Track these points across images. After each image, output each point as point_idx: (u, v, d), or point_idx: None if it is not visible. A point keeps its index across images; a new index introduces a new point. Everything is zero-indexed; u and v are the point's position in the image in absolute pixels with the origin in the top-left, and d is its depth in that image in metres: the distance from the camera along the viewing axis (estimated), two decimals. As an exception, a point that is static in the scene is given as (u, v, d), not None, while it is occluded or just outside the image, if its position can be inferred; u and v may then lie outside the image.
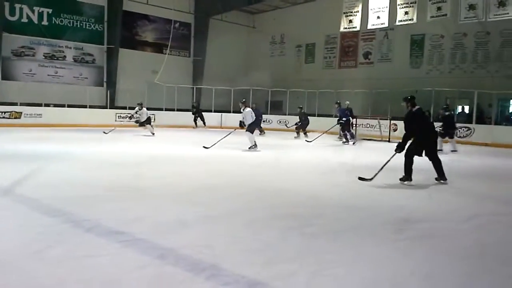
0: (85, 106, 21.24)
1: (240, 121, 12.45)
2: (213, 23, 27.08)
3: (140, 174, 7.63)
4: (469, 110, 19.47)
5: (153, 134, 16.36)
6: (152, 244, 3.79)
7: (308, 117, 18.25)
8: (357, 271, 3.40)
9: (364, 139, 16.35)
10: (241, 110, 12.46)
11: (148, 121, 16.75)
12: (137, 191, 6.19)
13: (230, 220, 4.74)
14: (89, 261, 3.39)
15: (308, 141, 15.79)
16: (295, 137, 17.63)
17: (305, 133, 17.64)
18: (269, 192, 6.45)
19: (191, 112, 22.72)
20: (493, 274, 3.51)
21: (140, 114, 16.54)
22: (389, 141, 16.29)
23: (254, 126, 12.52)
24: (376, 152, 12.71)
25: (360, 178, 7.17)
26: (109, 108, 22.41)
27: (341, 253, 3.77)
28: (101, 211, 4.89)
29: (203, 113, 22.63)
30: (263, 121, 19.66)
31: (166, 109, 23.26)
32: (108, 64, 24.21)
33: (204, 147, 12.27)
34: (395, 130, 17.78)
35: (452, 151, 13.20)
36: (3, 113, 18.40)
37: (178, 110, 23.71)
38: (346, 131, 15.58)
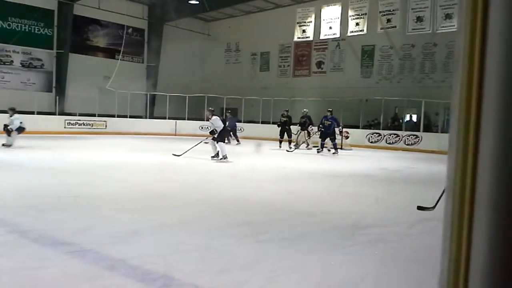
0: (32, 113, 20.43)
1: (213, 130, 11.79)
2: (167, 29, 26.83)
3: (89, 183, 7.40)
4: (416, 118, 20.25)
5: (9, 145, 12.94)
6: (101, 255, 3.68)
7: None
8: (310, 277, 3.44)
9: (315, 146, 16.62)
10: (209, 117, 11.99)
11: (20, 130, 13.45)
12: (86, 200, 6.00)
13: (183, 229, 4.68)
14: (36, 273, 3.25)
15: (288, 151, 15.37)
16: (318, 150, 15.41)
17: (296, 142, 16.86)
18: (224, 200, 6.42)
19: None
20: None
21: (11, 122, 13.38)
22: (341, 148, 16.66)
23: (223, 134, 12.13)
24: (331, 159, 12.96)
25: (419, 208, 6.02)
26: (58, 115, 21.64)
27: (295, 260, 3.80)
28: (48, 221, 4.70)
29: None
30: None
31: (119, 116, 22.74)
32: (57, 69, 23.39)
33: (174, 154, 12.04)
34: (347, 137, 18.20)
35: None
36: None
37: (131, 117, 23.24)
38: (331, 141, 15.04)
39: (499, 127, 0.61)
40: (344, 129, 18.08)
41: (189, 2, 22.61)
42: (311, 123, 16.63)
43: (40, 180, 7.48)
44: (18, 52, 22.21)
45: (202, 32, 28.92)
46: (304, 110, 17.14)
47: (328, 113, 15.11)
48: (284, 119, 16.50)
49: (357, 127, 20.11)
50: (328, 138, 14.97)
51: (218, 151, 11.69)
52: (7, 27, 21.71)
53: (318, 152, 15.11)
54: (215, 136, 11.69)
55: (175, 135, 22.75)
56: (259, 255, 3.89)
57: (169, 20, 26.14)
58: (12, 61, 22.05)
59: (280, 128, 16.63)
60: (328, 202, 6.56)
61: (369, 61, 22.31)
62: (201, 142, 12.68)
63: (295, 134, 16.93)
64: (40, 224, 4.54)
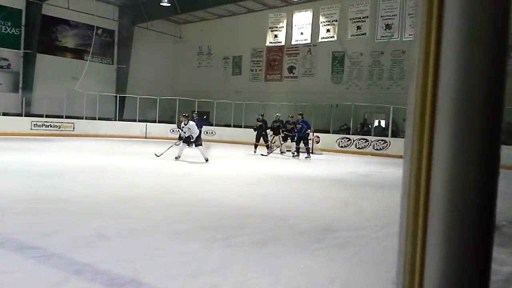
0: (-3, 113, 19.86)
1: (188, 136, 11.82)
2: (138, 31, 26.55)
3: (56, 186, 7.23)
4: (385, 124, 20.64)
5: None
6: (68, 260, 3.61)
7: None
8: (280, 281, 3.46)
9: (289, 151, 16.73)
10: (183, 125, 11.96)
11: None
12: (53, 203, 5.87)
13: (153, 233, 4.63)
14: (1, 278, 3.17)
15: (263, 155, 15.36)
16: (294, 155, 15.33)
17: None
18: (195, 203, 6.40)
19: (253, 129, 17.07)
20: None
21: None
22: (312, 152, 16.82)
23: (200, 138, 12.24)
24: (303, 163, 13.06)
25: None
26: (25, 116, 21.08)
27: (265, 263, 3.82)
28: (14, 224, 4.58)
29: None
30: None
31: (87, 118, 22.31)
32: (24, 70, 22.79)
33: (155, 154, 12.09)
34: (318, 142, 18.39)
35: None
36: None
37: (100, 119, 22.84)
38: (304, 145, 15.03)
39: (452, 134, 0.65)
40: (315, 134, 18.28)
41: (161, 4, 22.43)
42: (284, 127, 16.71)
43: (4, 183, 7.26)
44: (-17, 52, 21.58)
45: (174, 34, 28.74)
46: (277, 114, 17.20)
47: (299, 117, 15.32)
48: (259, 123, 16.48)
49: (327, 131, 20.34)
50: (302, 142, 15.07)
51: (179, 154, 11.98)
52: (-27, 26, 21.05)
53: (293, 156, 15.19)
54: (193, 141, 11.74)
55: (145, 138, 22.50)
56: (230, 259, 3.90)
57: (140, 22, 25.90)
58: (-24, 61, 21.40)
59: (256, 132, 16.58)
60: (299, 206, 6.62)
61: (340, 67, 22.62)
62: (172, 145, 12.61)
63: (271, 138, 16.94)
64: (4, 227, 4.42)
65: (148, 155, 12.18)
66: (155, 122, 23.51)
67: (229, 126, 23.35)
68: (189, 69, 28.47)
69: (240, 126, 22.45)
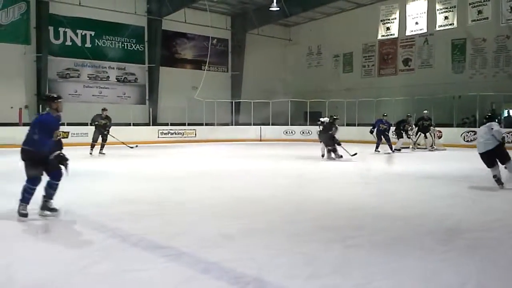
0: (129, 124, 21.84)
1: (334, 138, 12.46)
2: (249, 37, 27.40)
3: (180, 188, 7.72)
4: (515, 113, 18.75)
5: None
6: (196, 258, 3.85)
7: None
8: (405, 284, 3.32)
9: (404, 148, 15.95)
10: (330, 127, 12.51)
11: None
12: (180, 205, 6.29)
13: (271, 233, 4.74)
14: (136, 275, 3.47)
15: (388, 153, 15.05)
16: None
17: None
18: (308, 203, 6.40)
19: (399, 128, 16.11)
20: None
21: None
22: (433, 148, 15.88)
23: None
24: (422, 160, 12.41)
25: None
26: (152, 125, 22.98)
27: (387, 265, 3.69)
28: (146, 225, 5.00)
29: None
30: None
31: (207, 124, 23.65)
32: (149, 83, 24.88)
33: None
34: (439, 137, 17.32)
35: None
36: (51, 134, 19.15)
37: (218, 124, 24.02)
38: (386, 141, 15.13)
39: None
40: (437, 128, 17.24)
41: (270, 9, 22.88)
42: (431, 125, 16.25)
43: (137, 187, 7.96)
44: (113, 68, 23.96)
45: (284, 37, 29.15)
46: (425, 111, 16.67)
47: (384, 118, 15.43)
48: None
49: (450, 125, 19.04)
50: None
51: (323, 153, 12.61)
52: (103, 45, 23.48)
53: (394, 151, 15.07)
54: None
55: (260, 140, 23.10)
56: (349, 260, 3.84)
57: (251, 28, 26.71)
58: (108, 77, 23.81)
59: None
60: (419, 205, 6.28)
61: (461, 55, 21.09)
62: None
63: (410, 137, 16.27)
64: (138, 228, 4.84)
65: (263, 157, 12.50)
66: (269, 125, 24.05)
67: (341, 125, 22.94)
68: (299, 70, 28.63)
69: (354, 125, 21.98)
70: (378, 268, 3.63)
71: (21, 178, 5.25)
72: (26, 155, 5.20)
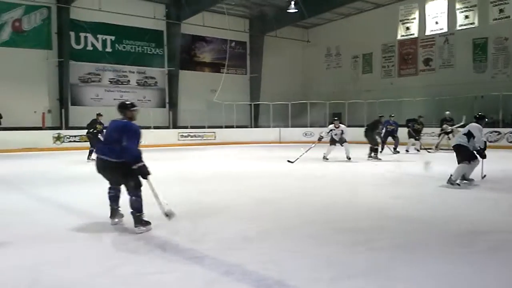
0: (149, 127, 22.09)
1: (338, 139, 12.70)
2: (268, 40, 27.45)
3: (204, 190, 7.79)
4: (541, 113, 18.34)
5: None
6: (218, 261, 3.87)
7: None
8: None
9: (425, 148, 15.75)
10: (333, 127, 12.76)
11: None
12: (203, 207, 6.32)
13: (292, 235, 4.75)
14: (160, 277, 3.52)
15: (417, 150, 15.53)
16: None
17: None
18: (328, 205, 6.38)
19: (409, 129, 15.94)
20: None
21: None
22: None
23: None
24: (442, 161, 12.25)
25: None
26: (172, 128, 23.20)
27: (411, 269, 3.66)
28: (172, 227, 5.03)
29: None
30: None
31: (226, 127, 23.77)
32: (169, 86, 25.14)
33: (288, 161, 12.28)
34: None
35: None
36: (74, 137, 19.53)
37: (237, 127, 24.12)
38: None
39: None
40: (458, 128, 16.96)
41: (288, 11, 22.89)
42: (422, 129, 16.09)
43: (161, 189, 8.03)
44: (133, 72, 24.29)
45: (302, 39, 29.13)
46: (447, 112, 16.60)
47: (391, 118, 15.79)
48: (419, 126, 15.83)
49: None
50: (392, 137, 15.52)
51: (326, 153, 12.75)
52: (123, 49, 23.84)
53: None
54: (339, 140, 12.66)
55: (280, 142, 23.10)
56: (371, 263, 3.82)
57: (269, 31, 26.76)
58: (129, 81, 24.15)
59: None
60: (442, 208, 6.20)
61: (482, 55, 20.76)
62: (310, 148, 12.72)
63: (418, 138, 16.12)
64: (162, 232, 4.88)
65: (282, 159, 12.50)
66: (288, 127, 24.04)
67: (362, 126, 22.78)
68: (318, 72, 28.56)
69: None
70: (402, 271, 3.60)
71: (46, 181, 5.35)
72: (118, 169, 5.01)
